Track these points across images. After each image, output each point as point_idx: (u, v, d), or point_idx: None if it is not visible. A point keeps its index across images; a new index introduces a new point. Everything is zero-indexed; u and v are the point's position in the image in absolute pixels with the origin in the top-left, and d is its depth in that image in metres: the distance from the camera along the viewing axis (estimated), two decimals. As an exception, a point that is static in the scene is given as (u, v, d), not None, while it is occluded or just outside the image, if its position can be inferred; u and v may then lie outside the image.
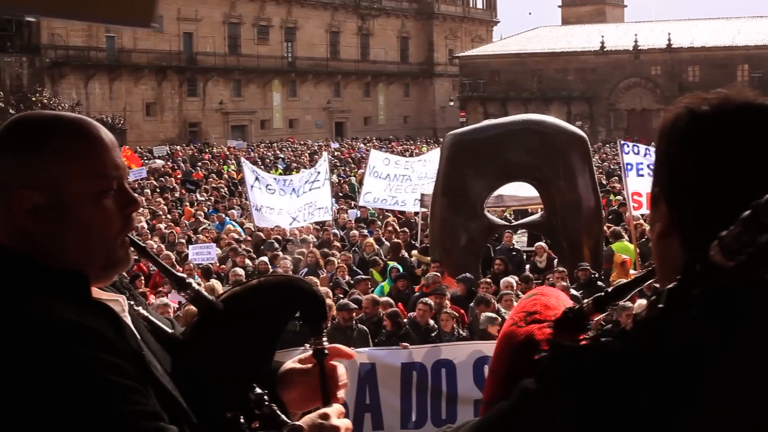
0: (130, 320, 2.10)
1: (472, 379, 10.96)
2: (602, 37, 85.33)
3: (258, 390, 2.18)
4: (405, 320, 12.74)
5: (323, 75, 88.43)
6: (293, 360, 2.47)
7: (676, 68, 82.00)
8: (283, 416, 2.17)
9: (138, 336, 2.06)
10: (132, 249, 2.14)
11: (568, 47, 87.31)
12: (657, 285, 1.70)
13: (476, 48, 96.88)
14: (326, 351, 2.34)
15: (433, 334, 12.54)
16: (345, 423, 2.18)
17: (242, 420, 2.14)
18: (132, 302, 2.20)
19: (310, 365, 2.40)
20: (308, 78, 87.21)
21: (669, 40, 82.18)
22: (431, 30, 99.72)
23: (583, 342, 1.68)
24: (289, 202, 22.33)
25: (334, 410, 2.21)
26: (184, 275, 2.38)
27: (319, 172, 22.79)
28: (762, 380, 1.44)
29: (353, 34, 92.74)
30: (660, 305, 1.49)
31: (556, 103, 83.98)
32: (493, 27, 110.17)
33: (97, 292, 2.05)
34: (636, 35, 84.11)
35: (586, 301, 1.92)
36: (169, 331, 2.28)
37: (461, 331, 12.67)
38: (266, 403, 2.17)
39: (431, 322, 12.81)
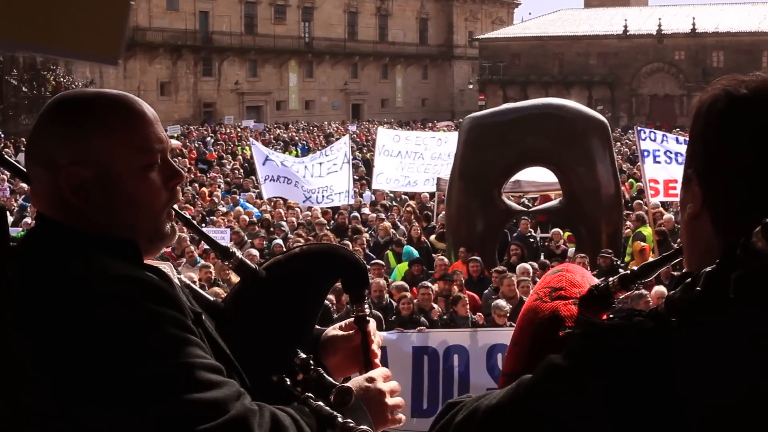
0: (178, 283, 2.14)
1: (485, 366, 10.83)
2: (625, 20, 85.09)
3: (303, 355, 2.30)
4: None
5: (340, 56, 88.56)
6: (334, 327, 2.56)
7: (700, 53, 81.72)
8: (330, 378, 2.25)
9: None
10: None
11: (590, 30, 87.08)
12: (684, 267, 1.73)
13: (497, 30, 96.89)
14: (368, 318, 2.45)
15: (444, 317, 12.68)
16: (390, 386, 2.28)
17: (288, 382, 2.24)
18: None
19: (351, 332, 2.49)
20: (325, 59, 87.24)
21: (693, 24, 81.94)
22: (451, 11, 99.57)
23: (608, 320, 1.64)
24: (303, 180, 22.18)
25: (380, 373, 2.30)
26: (228, 245, 2.46)
27: (337, 157, 22.57)
28: None
29: (371, 15, 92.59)
30: (698, 288, 1.49)
31: (577, 88, 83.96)
32: (514, 9, 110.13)
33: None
34: (660, 19, 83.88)
35: (611, 279, 1.93)
36: (211, 298, 2.35)
37: (474, 317, 12.63)
38: (312, 367, 2.27)
39: (435, 306, 12.96)
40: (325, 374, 2.26)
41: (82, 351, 1.73)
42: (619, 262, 15.57)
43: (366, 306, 2.46)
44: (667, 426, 1.46)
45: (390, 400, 2.25)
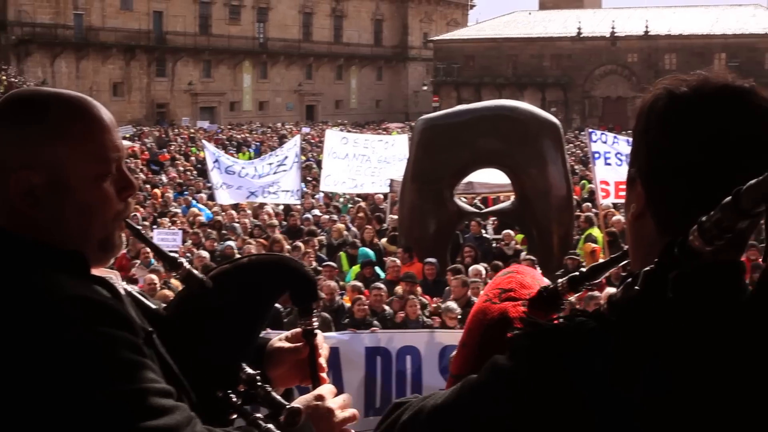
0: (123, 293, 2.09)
1: (438, 367, 10.83)
2: (579, 23, 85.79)
3: (249, 370, 2.23)
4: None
5: (295, 57, 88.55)
6: (280, 338, 2.50)
7: (653, 56, 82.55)
8: (278, 397, 2.19)
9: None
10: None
11: (544, 33, 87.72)
12: (629, 268, 1.75)
13: (451, 32, 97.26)
14: (316, 331, 2.38)
15: (396, 321, 12.49)
16: (339, 402, 2.19)
17: (234, 399, 2.19)
18: None
19: (299, 344, 2.42)
20: (280, 60, 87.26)
21: (646, 27, 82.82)
22: (406, 13, 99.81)
23: (557, 321, 1.62)
24: (249, 182, 22.08)
25: (328, 390, 2.22)
26: (176, 256, 2.32)
27: (287, 156, 22.53)
28: (734, 365, 1.48)
29: (326, 16, 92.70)
30: (636, 287, 1.51)
31: (530, 90, 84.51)
32: (468, 11, 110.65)
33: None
34: (613, 21, 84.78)
35: (560, 280, 1.92)
36: (153, 306, 2.26)
37: (426, 319, 12.54)
38: (259, 383, 2.21)
39: (387, 308, 12.85)
40: (272, 392, 2.22)
41: (35, 376, 1.67)
42: (584, 263, 15.57)
43: (314, 319, 2.41)
44: (607, 424, 1.48)
45: (340, 415, 2.19)
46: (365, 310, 12.36)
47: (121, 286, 2.11)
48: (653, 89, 1.67)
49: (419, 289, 13.57)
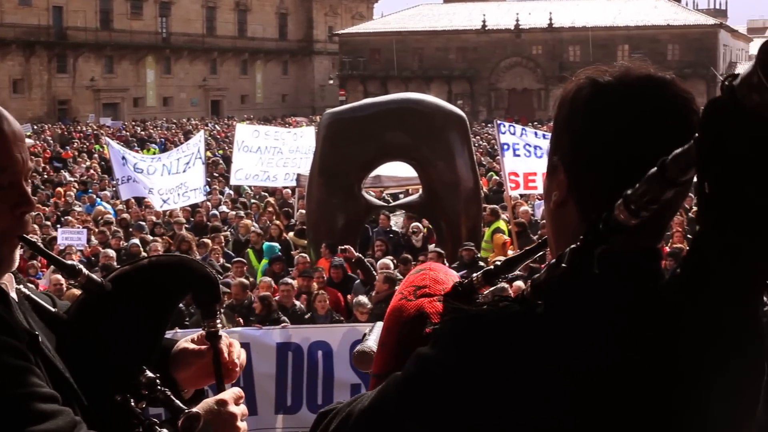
0: (16, 298, 2.04)
1: (349, 362, 10.81)
2: (484, 15, 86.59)
3: (149, 373, 2.16)
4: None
5: (199, 52, 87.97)
6: (186, 339, 2.45)
7: (557, 48, 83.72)
8: (177, 401, 2.13)
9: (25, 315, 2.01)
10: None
11: (449, 25, 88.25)
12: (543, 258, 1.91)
13: (356, 25, 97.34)
14: (220, 333, 2.34)
15: (306, 317, 12.49)
16: (242, 409, 2.16)
17: (132, 403, 2.11)
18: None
19: (203, 347, 2.38)
20: (183, 55, 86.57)
21: (550, 19, 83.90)
22: (310, 6, 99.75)
23: (475, 306, 1.63)
24: (160, 182, 21.91)
25: (231, 395, 2.17)
26: (75, 262, 2.31)
27: (192, 153, 22.39)
28: (660, 342, 1.49)
29: (230, 10, 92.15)
30: (563, 265, 1.51)
31: (436, 82, 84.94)
32: (373, 4, 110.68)
33: None
34: (517, 14, 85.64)
35: (476, 274, 1.91)
36: (53, 309, 2.21)
37: (335, 314, 12.56)
38: (159, 387, 2.15)
39: (297, 303, 12.86)
40: (172, 396, 2.14)
41: None
42: (480, 256, 15.71)
43: (218, 321, 2.35)
44: (537, 406, 1.49)
45: (241, 424, 2.15)
46: (258, 306, 12.24)
47: (14, 289, 2.05)
48: (575, 79, 1.69)
49: (315, 285, 13.47)
